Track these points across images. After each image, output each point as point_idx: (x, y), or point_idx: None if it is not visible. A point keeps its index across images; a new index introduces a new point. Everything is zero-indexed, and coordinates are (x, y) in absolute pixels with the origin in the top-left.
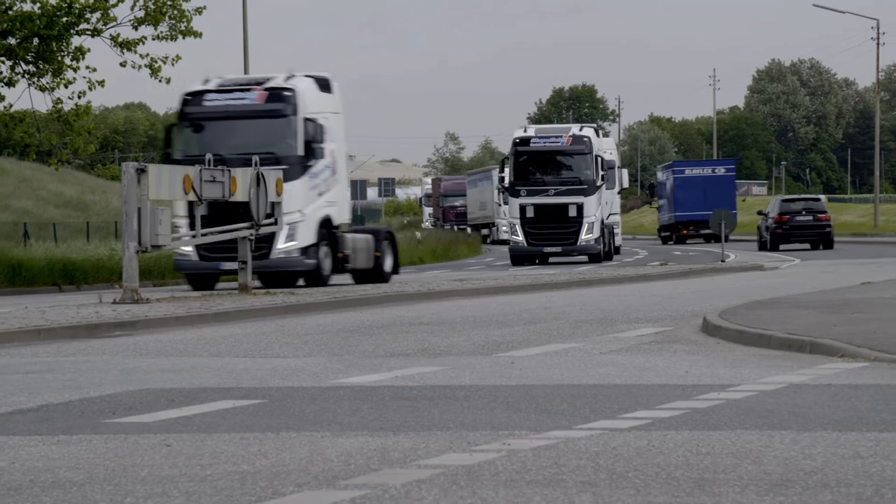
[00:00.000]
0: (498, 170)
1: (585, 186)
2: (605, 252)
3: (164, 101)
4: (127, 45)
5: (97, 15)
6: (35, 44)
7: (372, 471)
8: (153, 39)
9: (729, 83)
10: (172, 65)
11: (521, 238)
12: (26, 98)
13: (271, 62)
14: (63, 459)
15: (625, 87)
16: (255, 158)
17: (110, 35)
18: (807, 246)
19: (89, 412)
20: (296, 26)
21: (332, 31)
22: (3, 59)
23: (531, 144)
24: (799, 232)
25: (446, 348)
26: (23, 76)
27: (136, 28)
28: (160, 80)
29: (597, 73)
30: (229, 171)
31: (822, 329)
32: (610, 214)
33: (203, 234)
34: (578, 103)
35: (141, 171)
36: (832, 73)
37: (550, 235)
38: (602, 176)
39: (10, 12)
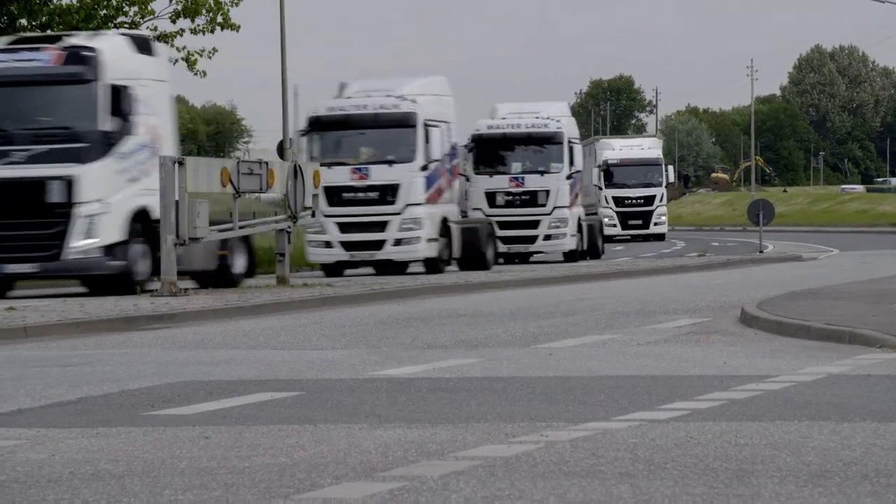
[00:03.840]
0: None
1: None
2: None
3: (202, 94)
4: (164, 38)
5: (135, 9)
6: None
7: (410, 462)
8: (191, 32)
9: (766, 73)
10: (209, 57)
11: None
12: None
13: (309, 55)
14: (102, 452)
15: (662, 77)
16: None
17: (148, 28)
18: None
19: (128, 405)
20: (333, 19)
21: (369, 23)
22: None
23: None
24: None
25: (484, 340)
26: None
27: (174, 21)
28: (196, 73)
29: (634, 63)
30: (266, 163)
31: (861, 319)
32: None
33: (241, 227)
34: (617, 95)
35: (178, 164)
36: (871, 60)
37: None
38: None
39: (50, 5)
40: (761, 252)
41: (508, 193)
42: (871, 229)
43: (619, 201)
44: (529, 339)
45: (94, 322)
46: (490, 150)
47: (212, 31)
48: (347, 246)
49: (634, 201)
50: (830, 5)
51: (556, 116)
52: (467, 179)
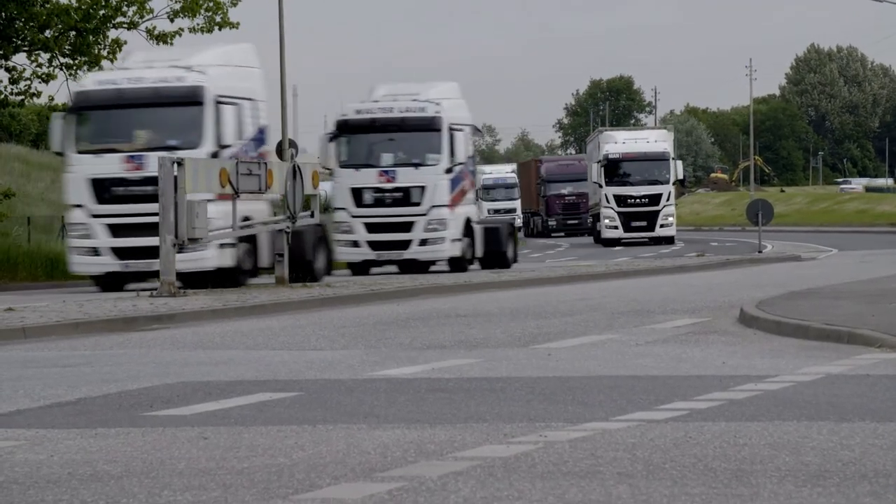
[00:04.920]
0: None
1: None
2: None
3: None
4: (163, 38)
5: (133, 8)
6: (72, 37)
7: (408, 463)
8: (189, 31)
9: (765, 72)
10: None
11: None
12: (64, 91)
13: (307, 54)
14: (101, 452)
15: (661, 77)
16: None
17: (146, 28)
18: None
19: (127, 405)
20: (331, 18)
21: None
22: (40, 52)
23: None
24: None
25: (483, 340)
26: (60, 69)
27: (172, 20)
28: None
29: (633, 63)
30: (265, 163)
31: (860, 319)
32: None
33: (241, 227)
34: (616, 95)
35: (177, 164)
36: (870, 60)
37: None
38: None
39: (48, 6)
40: (760, 252)
41: (377, 190)
42: (871, 229)
43: (620, 200)
44: (528, 339)
45: (94, 322)
46: (357, 139)
47: (210, 31)
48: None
49: (638, 200)
50: (829, 5)
51: (438, 99)
52: (331, 173)
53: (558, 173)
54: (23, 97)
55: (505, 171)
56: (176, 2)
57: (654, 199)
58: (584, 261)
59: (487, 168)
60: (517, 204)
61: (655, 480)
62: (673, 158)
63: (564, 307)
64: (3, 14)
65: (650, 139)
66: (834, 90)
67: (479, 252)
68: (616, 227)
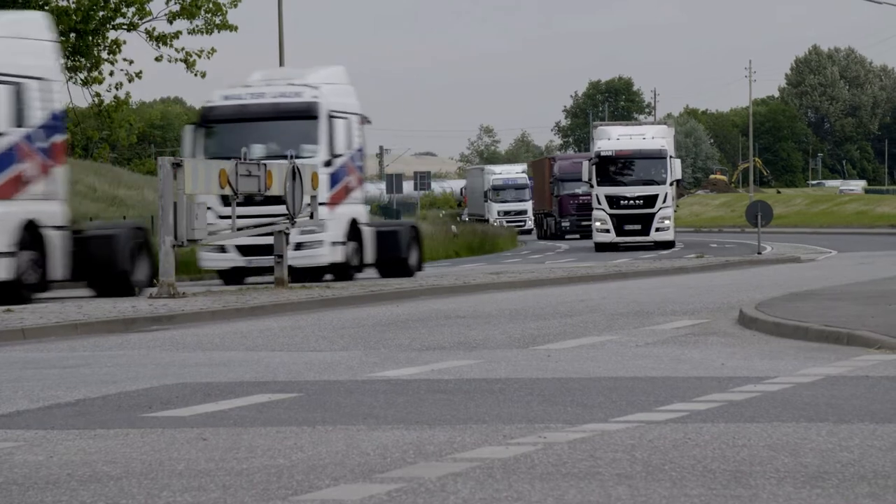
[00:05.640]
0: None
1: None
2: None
3: (200, 95)
4: (162, 40)
5: (132, 9)
6: (72, 39)
7: (408, 464)
8: (188, 33)
9: (764, 73)
10: (208, 58)
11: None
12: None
13: (306, 55)
14: (100, 453)
15: (660, 78)
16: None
17: (146, 29)
18: None
19: (126, 406)
20: (330, 19)
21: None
22: None
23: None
24: None
25: (482, 341)
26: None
27: (171, 22)
28: (195, 74)
29: (632, 64)
30: (265, 164)
31: (859, 321)
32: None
33: (240, 229)
34: (615, 96)
35: (177, 166)
36: (869, 61)
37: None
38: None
39: (47, 7)
40: (760, 253)
41: None
42: (870, 230)
43: (613, 202)
44: (528, 340)
45: (93, 324)
46: (225, 129)
47: (209, 33)
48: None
49: (632, 202)
50: (828, 7)
51: (318, 83)
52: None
53: (573, 172)
54: None
55: (515, 172)
56: (175, 3)
57: (650, 200)
58: (584, 262)
59: (497, 168)
60: (528, 205)
61: (654, 482)
62: (671, 157)
63: (564, 308)
64: None
65: (647, 135)
66: (834, 92)
67: (369, 258)
68: (608, 231)
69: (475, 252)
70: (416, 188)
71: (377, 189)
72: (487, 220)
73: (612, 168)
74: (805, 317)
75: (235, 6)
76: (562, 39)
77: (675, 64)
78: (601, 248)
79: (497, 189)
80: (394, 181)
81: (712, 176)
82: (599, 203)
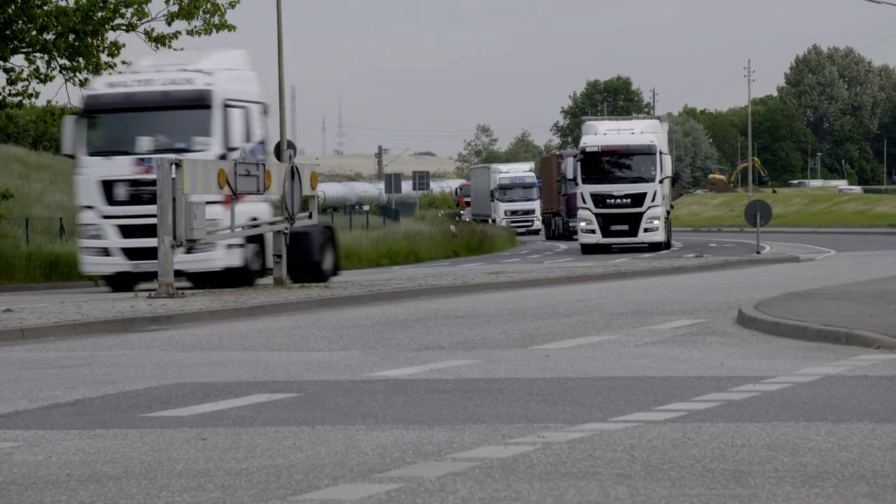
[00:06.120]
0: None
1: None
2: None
3: None
4: (161, 40)
5: (131, 10)
6: (71, 39)
7: (407, 464)
8: (187, 34)
9: (764, 73)
10: None
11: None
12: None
13: (306, 56)
14: (99, 453)
15: (659, 78)
16: None
17: (144, 30)
18: None
19: (125, 406)
20: (330, 19)
21: (367, 23)
22: (39, 54)
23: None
24: None
25: (481, 341)
26: (59, 71)
27: (169, 23)
28: None
29: (631, 63)
30: (263, 164)
31: (858, 320)
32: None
33: (238, 229)
34: (614, 96)
35: (175, 166)
36: (868, 61)
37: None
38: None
39: (46, 7)
40: (759, 253)
41: (134, 183)
42: (869, 230)
43: (598, 200)
44: (527, 340)
45: (91, 324)
46: (110, 120)
47: (208, 34)
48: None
49: (618, 201)
50: (828, 7)
51: (213, 69)
52: (76, 163)
53: None
54: (20, 98)
55: (522, 170)
56: (174, 4)
57: (637, 199)
58: (582, 262)
59: (504, 167)
60: (536, 205)
61: (654, 481)
62: (661, 153)
63: (563, 308)
64: (2, 16)
65: (636, 130)
66: (833, 91)
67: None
68: (593, 232)
69: (474, 252)
70: (414, 188)
71: (376, 189)
72: (494, 221)
73: (598, 165)
74: (804, 316)
75: (234, 6)
76: (561, 39)
77: (675, 64)
78: (587, 249)
79: (504, 188)
80: (392, 181)
81: (711, 175)
82: (584, 202)
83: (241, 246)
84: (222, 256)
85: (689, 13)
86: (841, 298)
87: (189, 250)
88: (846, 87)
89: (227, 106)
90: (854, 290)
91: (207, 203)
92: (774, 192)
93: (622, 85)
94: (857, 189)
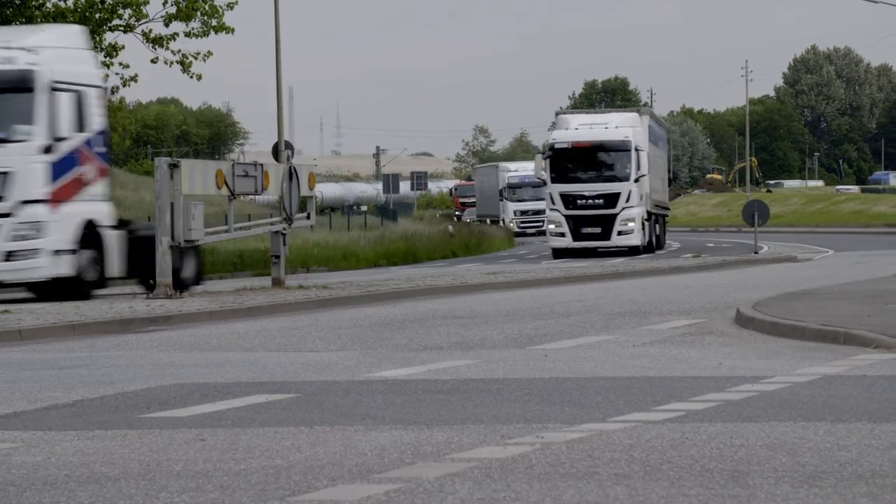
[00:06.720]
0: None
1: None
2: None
3: (196, 96)
4: (158, 41)
5: (129, 11)
6: None
7: (405, 464)
8: (185, 35)
9: (763, 73)
10: (204, 60)
11: None
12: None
13: (303, 57)
14: (98, 454)
15: (657, 78)
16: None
17: (142, 31)
18: None
19: (124, 407)
20: (329, 19)
21: (366, 24)
22: None
23: None
24: None
25: (479, 341)
26: None
27: (167, 24)
28: (191, 76)
29: (630, 64)
30: (261, 165)
31: (856, 320)
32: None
33: (237, 229)
34: (611, 96)
35: (174, 167)
36: (866, 62)
37: None
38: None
39: (44, 8)
40: (756, 253)
41: None
42: (867, 230)
43: (568, 201)
44: (525, 340)
45: (90, 324)
46: None
47: (206, 35)
48: None
49: (590, 202)
50: (828, 6)
51: (38, 46)
52: None
53: None
54: None
55: (532, 169)
56: (171, 5)
57: (610, 199)
58: (580, 262)
59: (512, 165)
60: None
61: (652, 481)
62: (638, 149)
63: (561, 308)
64: (0, 16)
65: (610, 124)
66: (830, 91)
67: (116, 270)
68: (563, 235)
69: (472, 252)
70: (412, 188)
71: (374, 189)
72: (503, 221)
73: (568, 162)
74: (802, 316)
75: (232, 8)
76: (561, 39)
77: (674, 64)
78: (559, 254)
79: (513, 187)
80: (390, 181)
81: (709, 175)
82: (553, 203)
83: (73, 252)
84: (47, 264)
85: (689, 13)
86: (839, 298)
87: (8, 257)
88: (844, 87)
89: (54, 89)
90: (852, 290)
91: (24, 202)
92: (769, 191)
93: (619, 85)
94: (855, 189)
